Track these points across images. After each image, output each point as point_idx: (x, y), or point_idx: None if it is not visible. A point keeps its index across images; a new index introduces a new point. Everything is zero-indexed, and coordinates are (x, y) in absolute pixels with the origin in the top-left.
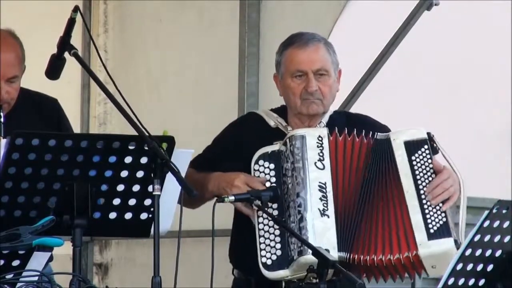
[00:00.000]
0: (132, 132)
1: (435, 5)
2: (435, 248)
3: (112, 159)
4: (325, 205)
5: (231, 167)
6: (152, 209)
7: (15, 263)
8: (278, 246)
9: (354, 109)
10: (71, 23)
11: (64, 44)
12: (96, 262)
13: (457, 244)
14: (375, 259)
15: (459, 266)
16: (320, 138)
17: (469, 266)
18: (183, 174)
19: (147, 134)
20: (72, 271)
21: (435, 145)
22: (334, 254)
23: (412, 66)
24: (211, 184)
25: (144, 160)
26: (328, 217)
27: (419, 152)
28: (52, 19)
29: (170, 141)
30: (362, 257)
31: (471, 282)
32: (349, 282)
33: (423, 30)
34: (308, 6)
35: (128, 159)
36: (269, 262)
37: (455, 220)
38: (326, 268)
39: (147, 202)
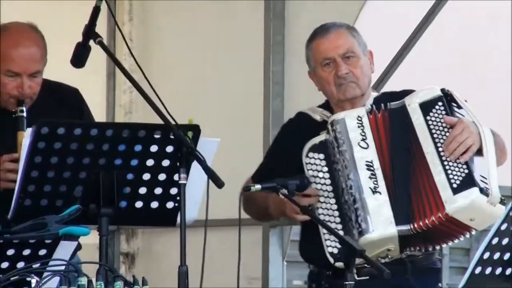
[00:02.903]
0: (158, 120)
1: None
2: (461, 201)
3: (138, 148)
4: (375, 182)
5: (288, 171)
6: (178, 198)
7: (42, 252)
8: (341, 232)
9: None
10: (96, 11)
11: (89, 32)
12: (123, 251)
13: (483, 192)
14: (427, 222)
15: (486, 255)
16: (359, 118)
17: (496, 255)
18: (209, 163)
19: (173, 122)
20: (98, 260)
21: (454, 99)
22: (392, 229)
23: (431, 63)
24: (272, 208)
25: (169, 148)
26: (380, 193)
27: (434, 110)
28: (76, 7)
29: (195, 129)
30: (421, 223)
31: (498, 271)
32: (377, 271)
33: (441, 27)
34: None
35: (153, 148)
36: (335, 251)
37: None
38: (353, 258)
39: (173, 191)
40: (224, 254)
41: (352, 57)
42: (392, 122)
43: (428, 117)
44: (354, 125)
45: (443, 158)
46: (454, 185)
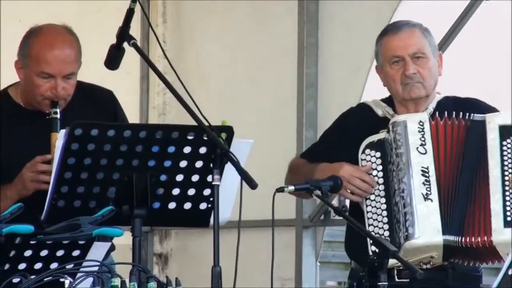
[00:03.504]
0: (191, 122)
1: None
2: (508, 236)
3: (171, 149)
4: (428, 189)
5: (339, 158)
6: (211, 199)
7: (75, 253)
8: (387, 233)
9: None
10: (130, 13)
11: (123, 34)
12: (156, 252)
13: None
14: (473, 240)
15: None
16: (421, 123)
17: None
18: (242, 164)
19: (206, 124)
20: (132, 261)
21: None
22: (438, 237)
23: (465, 62)
24: (318, 176)
25: (203, 150)
26: (432, 201)
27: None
28: (110, 10)
29: (229, 131)
30: (468, 239)
31: None
32: (411, 272)
33: (476, 27)
34: None
35: (187, 149)
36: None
37: None
38: (386, 258)
39: (206, 192)
40: (258, 255)
41: (422, 58)
42: (469, 134)
43: (504, 142)
44: (415, 129)
45: (506, 188)
46: (508, 218)
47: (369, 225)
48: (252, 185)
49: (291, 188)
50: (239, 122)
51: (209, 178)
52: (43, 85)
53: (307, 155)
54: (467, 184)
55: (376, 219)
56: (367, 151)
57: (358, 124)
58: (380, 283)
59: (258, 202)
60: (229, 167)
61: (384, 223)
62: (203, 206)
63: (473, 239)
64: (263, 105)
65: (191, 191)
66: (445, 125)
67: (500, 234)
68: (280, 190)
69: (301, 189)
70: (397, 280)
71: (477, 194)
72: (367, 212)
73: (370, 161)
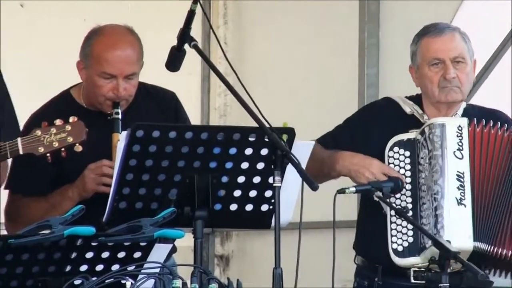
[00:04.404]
0: (253, 123)
1: None
2: None
3: (233, 150)
4: (462, 194)
5: (362, 150)
6: (272, 200)
7: (137, 255)
8: (410, 233)
9: None
10: (191, 15)
11: (184, 36)
12: (218, 254)
13: None
14: (505, 252)
15: None
16: (460, 128)
17: None
18: (303, 166)
19: (267, 125)
20: (193, 262)
21: None
22: (469, 244)
23: None
24: (340, 164)
25: (264, 151)
26: (465, 206)
27: None
28: (170, 12)
29: (290, 132)
30: (500, 250)
31: None
32: (472, 273)
33: None
34: None
35: (248, 151)
36: (400, 248)
37: None
38: (447, 259)
39: (268, 193)
40: (319, 256)
41: (461, 63)
42: None
43: None
44: (454, 133)
45: None
46: None
47: (391, 222)
48: (313, 186)
49: (352, 189)
50: (300, 123)
51: (270, 180)
52: (105, 85)
53: (325, 141)
54: (506, 195)
55: (400, 218)
56: (396, 149)
57: (385, 119)
58: (441, 285)
59: (319, 203)
60: (290, 169)
61: (408, 222)
62: (264, 207)
63: (504, 251)
64: (324, 106)
65: (253, 193)
66: (482, 133)
67: None
68: (341, 191)
69: (362, 191)
70: (412, 281)
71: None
72: (390, 210)
73: (398, 159)
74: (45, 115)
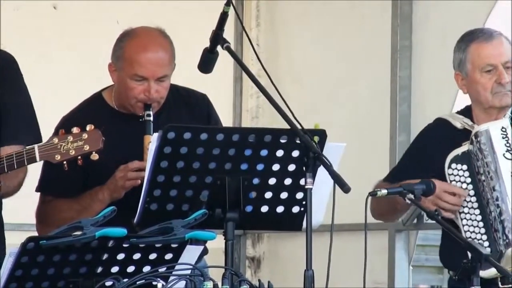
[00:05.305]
0: (284, 125)
1: None
2: None
3: (264, 152)
4: None
5: (423, 177)
6: (304, 202)
7: (168, 256)
8: (486, 244)
9: None
10: (223, 17)
11: (217, 37)
12: (249, 256)
13: None
14: None
15: None
16: (503, 129)
17: None
18: (335, 167)
19: (299, 127)
20: (224, 264)
21: None
22: None
23: None
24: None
25: (295, 153)
26: None
27: None
28: (204, 14)
29: (321, 134)
30: None
31: None
32: (503, 275)
33: None
34: None
35: (279, 153)
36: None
37: None
38: (478, 262)
39: (299, 195)
40: (350, 259)
41: (510, 68)
42: None
43: None
44: (499, 135)
45: None
46: None
47: (465, 232)
48: (345, 188)
49: (384, 192)
50: (332, 125)
51: (302, 182)
52: (136, 87)
53: (389, 178)
54: None
55: (474, 231)
56: (453, 165)
57: (438, 140)
58: (472, 287)
59: (351, 205)
60: (321, 171)
61: (482, 234)
62: (295, 209)
63: None
64: (356, 108)
65: (284, 195)
66: None
67: None
68: (373, 194)
69: (394, 193)
70: (500, 286)
71: None
72: (463, 225)
73: (457, 174)
74: (76, 118)
